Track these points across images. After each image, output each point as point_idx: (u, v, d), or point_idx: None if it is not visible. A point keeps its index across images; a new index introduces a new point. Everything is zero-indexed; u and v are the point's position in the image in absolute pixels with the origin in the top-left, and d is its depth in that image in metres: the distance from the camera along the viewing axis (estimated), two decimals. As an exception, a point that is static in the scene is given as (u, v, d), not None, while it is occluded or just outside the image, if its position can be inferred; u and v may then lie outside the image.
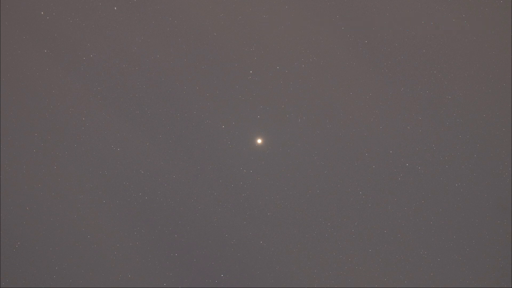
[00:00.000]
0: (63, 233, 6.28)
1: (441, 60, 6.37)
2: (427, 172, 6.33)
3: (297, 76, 6.42)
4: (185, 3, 6.46)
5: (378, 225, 6.31)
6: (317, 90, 6.42)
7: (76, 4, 6.43)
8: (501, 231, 6.20)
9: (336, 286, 6.27)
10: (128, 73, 6.43)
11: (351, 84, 6.41)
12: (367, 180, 6.35)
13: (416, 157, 6.33)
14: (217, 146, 6.41)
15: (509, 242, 6.20)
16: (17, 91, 6.40)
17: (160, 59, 6.43)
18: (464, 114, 6.32)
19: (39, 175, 6.34)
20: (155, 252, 6.28)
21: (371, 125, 6.38)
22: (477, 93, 6.31)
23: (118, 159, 6.39)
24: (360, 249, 6.30)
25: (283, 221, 6.35)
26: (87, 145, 6.38)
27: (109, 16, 6.45)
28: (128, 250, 6.29)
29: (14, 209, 6.30)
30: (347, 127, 6.39)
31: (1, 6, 6.40)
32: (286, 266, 6.30)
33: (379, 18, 6.41)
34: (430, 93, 6.36)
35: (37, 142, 6.36)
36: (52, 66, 6.42)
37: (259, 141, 6.40)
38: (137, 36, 6.44)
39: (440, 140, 6.33)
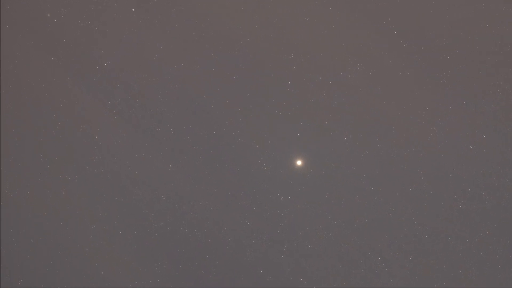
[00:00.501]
0: (73, 270, 5.46)
1: (509, 69, 5.54)
2: (493, 198, 5.50)
3: (343, 87, 5.59)
4: (214, 4, 5.63)
5: (436, 261, 5.49)
6: (365, 104, 5.59)
7: (88, 5, 5.60)
8: None
9: (388, 330, 5.46)
10: (148, 85, 5.60)
11: (404, 97, 5.59)
12: (423, 208, 5.53)
13: (480, 181, 5.51)
14: (250, 169, 5.58)
15: None
16: (19, 105, 5.57)
17: (185, 68, 5.60)
18: (537, 132, 5.50)
19: (45, 202, 5.52)
20: (179, 290, 5.47)
21: (428, 144, 5.55)
22: (552, 108, 5.49)
23: (136, 183, 5.57)
24: None
25: (327, 255, 5.53)
26: (101, 168, 5.56)
27: (126, 18, 5.61)
28: (148, 288, 5.48)
29: (17, 242, 5.51)
30: (400, 146, 5.56)
31: (1, 6, 5.56)
32: (330, 307, 5.49)
33: (438, 21, 5.58)
34: (496, 107, 5.54)
35: (43, 164, 5.53)
36: (60, 76, 5.59)
37: (299, 162, 5.58)
38: (158, 42, 5.60)
39: (508, 162, 5.50)
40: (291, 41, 5.60)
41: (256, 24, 5.61)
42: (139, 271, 5.50)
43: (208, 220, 5.55)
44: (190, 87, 5.61)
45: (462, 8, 5.57)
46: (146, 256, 5.52)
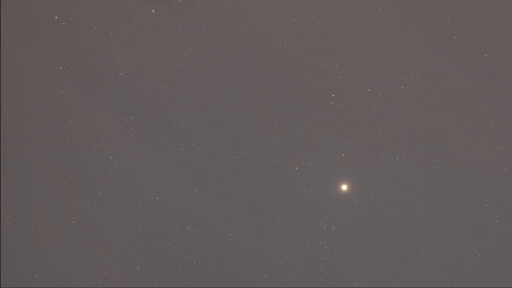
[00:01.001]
0: (85, 312, 4.76)
1: None
2: None
3: (394, 101, 4.88)
4: (246, 4, 4.91)
5: (503, 300, 4.78)
6: (420, 119, 4.88)
7: (102, 5, 4.88)
8: None
9: None
10: (170, 98, 4.89)
11: (466, 111, 4.87)
12: (487, 240, 4.82)
13: (553, 209, 4.80)
14: (287, 194, 4.87)
15: None
16: (22, 121, 4.87)
17: (213, 78, 4.89)
18: None
19: (52, 233, 4.81)
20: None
21: (493, 166, 4.84)
22: None
23: (156, 211, 4.86)
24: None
25: (376, 293, 4.83)
26: (116, 193, 4.85)
27: (145, 21, 4.90)
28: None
29: (22, 275, 4.82)
30: (461, 168, 4.85)
31: (2, 8, 4.86)
32: None
33: (504, 24, 4.86)
34: None
35: (49, 188, 4.83)
36: (69, 88, 4.88)
37: (344, 187, 4.88)
38: (182, 48, 4.89)
39: None
40: (335, 47, 4.89)
41: (295, 27, 4.90)
42: (160, 313, 4.80)
43: (240, 253, 4.85)
44: (219, 100, 4.90)
45: (533, 9, 4.86)
46: (168, 296, 4.81)
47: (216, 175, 4.88)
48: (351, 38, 4.89)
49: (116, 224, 4.84)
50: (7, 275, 4.66)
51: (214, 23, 4.90)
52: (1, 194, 4.80)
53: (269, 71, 4.89)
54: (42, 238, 4.81)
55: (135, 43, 4.89)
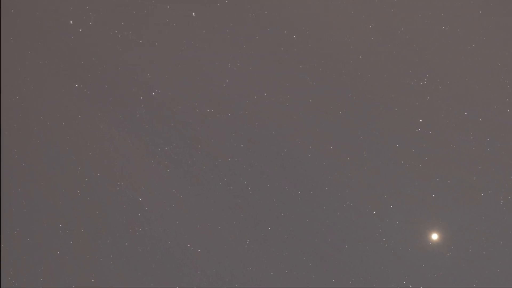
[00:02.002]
0: None
1: None
2: None
3: (500, 128, 3.89)
4: (311, 5, 3.92)
5: None
6: (531, 151, 3.89)
7: (128, 6, 3.90)
8: None
9: None
10: (215, 124, 3.91)
11: None
12: None
13: None
14: (364, 246, 3.89)
15: None
16: (31, 151, 3.91)
17: (268, 99, 3.91)
18: None
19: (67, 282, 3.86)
20: None
21: None
22: None
23: (198, 266, 3.89)
24: None
25: None
26: (147, 243, 3.88)
27: (184, 26, 3.91)
28: None
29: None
30: None
31: (3, 11, 3.88)
32: None
33: None
34: None
35: (64, 238, 3.88)
36: (87, 110, 3.92)
37: (435, 236, 3.90)
38: (230, 61, 3.90)
39: None
40: (423, 60, 3.90)
41: (372, 35, 3.91)
42: None
43: (302, 320, 3.88)
44: (276, 127, 3.92)
45: None
46: None
47: (273, 221, 3.90)
48: (443, 49, 3.90)
49: (148, 281, 3.88)
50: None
51: (270, 29, 3.91)
52: (2, 241, 3.84)
53: (340, 89, 3.91)
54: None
55: (170, 54, 3.90)
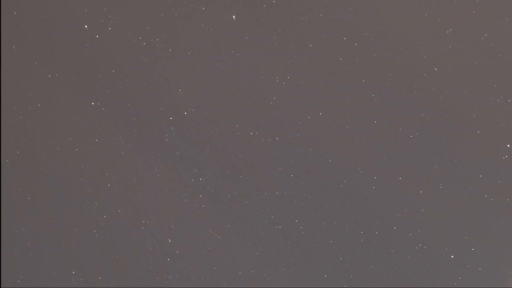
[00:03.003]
0: None
1: None
2: None
3: None
4: (375, 5, 3.28)
5: None
6: None
7: (155, 8, 3.25)
8: None
9: None
10: (261, 150, 3.27)
11: None
12: None
13: None
14: (439, 297, 3.25)
15: None
16: (39, 183, 3.27)
17: (323, 120, 3.26)
18: None
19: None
20: None
21: None
22: None
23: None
24: None
25: None
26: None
27: (221, 31, 3.27)
28: None
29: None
30: None
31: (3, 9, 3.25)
32: None
33: None
34: None
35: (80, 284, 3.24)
36: (106, 133, 3.28)
37: (526, 286, 3.26)
38: (279, 74, 3.26)
39: None
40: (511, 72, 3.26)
41: (450, 42, 3.26)
42: None
43: None
44: (333, 153, 3.27)
45: None
46: None
47: (330, 267, 3.26)
48: (536, 58, 3.26)
49: None
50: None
51: (326, 35, 3.27)
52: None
53: (411, 108, 3.26)
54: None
55: (206, 65, 3.26)
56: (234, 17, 3.28)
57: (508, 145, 3.28)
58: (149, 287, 3.24)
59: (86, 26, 3.27)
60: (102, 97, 3.27)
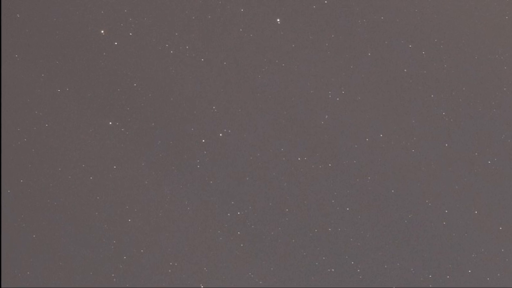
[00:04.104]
0: None
1: None
2: None
3: None
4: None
5: None
6: None
7: (184, 10, 2.76)
8: None
9: None
10: (314, 176, 2.78)
11: None
12: None
13: None
14: None
15: None
16: (54, 212, 2.79)
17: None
18: None
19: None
20: None
21: None
22: None
23: None
24: None
25: None
26: None
27: (263, 37, 2.78)
28: None
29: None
30: None
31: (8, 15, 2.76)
32: None
33: None
34: None
35: None
36: (126, 158, 2.79)
37: None
38: (337, 80, 2.77)
39: None
40: None
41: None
42: None
43: None
44: (397, 182, 2.78)
45: None
46: None
47: (391, 316, 2.77)
48: None
49: None
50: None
51: (388, 42, 2.77)
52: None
53: (490, 130, 2.77)
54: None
55: (245, 78, 2.77)
56: (278, 20, 2.79)
57: None
58: None
59: (102, 31, 2.78)
60: (121, 116, 2.78)
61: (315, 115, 2.82)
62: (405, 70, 2.83)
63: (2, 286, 2.91)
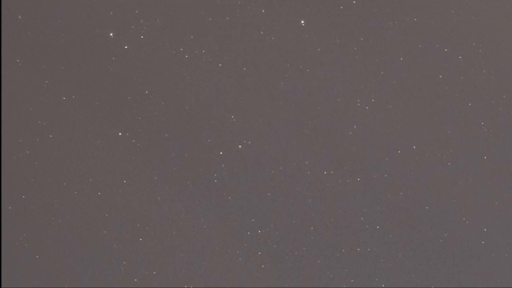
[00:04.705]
0: None
1: None
2: None
3: None
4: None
5: None
6: None
7: (200, 10, 2.56)
8: None
9: None
10: (342, 191, 2.57)
11: None
12: None
13: None
14: None
15: None
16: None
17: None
18: None
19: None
20: None
21: None
22: None
23: None
24: None
25: None
26: None
27: (287, 41, 2.57)
28: None
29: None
30: None
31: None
32: None
33: None
34: None
35: None
36: (139, 175, 2.59)
37: None
38: (366, 87, 2.57)
39: None
40: None
41: None
42: None
43: None
44: (432, 199, 2.58)
45: None
46: None
47: None
48: None
49: None
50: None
51: (422, 46, 2.56)
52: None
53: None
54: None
55: (266, 85, 2.56)
56: (302, 22, 2.58)
57: None
58: None
59: (111, 34, 2.57)
60: (131, 126, 2.57)
61: (343, 125, 2.61)
62: (440, 76, 2.62)
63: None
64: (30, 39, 2.69)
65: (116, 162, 2.63)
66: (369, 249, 2.61)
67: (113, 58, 2.62)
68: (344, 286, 2.60)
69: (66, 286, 2.61)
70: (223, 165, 2.62)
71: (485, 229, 2.62)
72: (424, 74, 2.62)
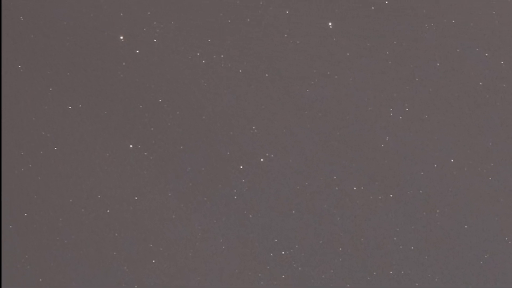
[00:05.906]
0: None
1: None
2: None
3: None
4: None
5: None
6: None
7: (220, 12, 2.38)
8: None
9: None
10: (374, 207, 2.40)
11: None
12: None
13: None
14: None
15: None
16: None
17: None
18: None
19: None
20: None
21: None
22: None
23: None
24: None
25: None
26: None
27: (313, 44, 2.39)
28: None
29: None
30: None
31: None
32: None
33: None
34: None
35: None
36: (151, 188, 2.42)
37: None
38: (399, 94, 2.39)
39: None
40: None
41: None
42: None
43: None
44: (471, 213, 2.40)
45: None
46: None
47: None
48: None
49: None
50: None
51: (460, 50, 2.38)
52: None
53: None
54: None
55: (292, 90, 2.38)
56: (330, 24, 2.39)
57: None
58: None
59: (121, 37, 2.39)
60: (144, 138, 2.39)
61: (374, 137, 2.43)
62: (480, 84, 2.44)
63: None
64: (32, 42, 2.51)
65: (126, 177, 2.45)
66: (403, 272, 2.43)
67: (123, 64, 2.44)
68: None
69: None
70: (243, 180, 2.44)
71: (529, 250, 2.43)
72: (463, 81, 2.44)
